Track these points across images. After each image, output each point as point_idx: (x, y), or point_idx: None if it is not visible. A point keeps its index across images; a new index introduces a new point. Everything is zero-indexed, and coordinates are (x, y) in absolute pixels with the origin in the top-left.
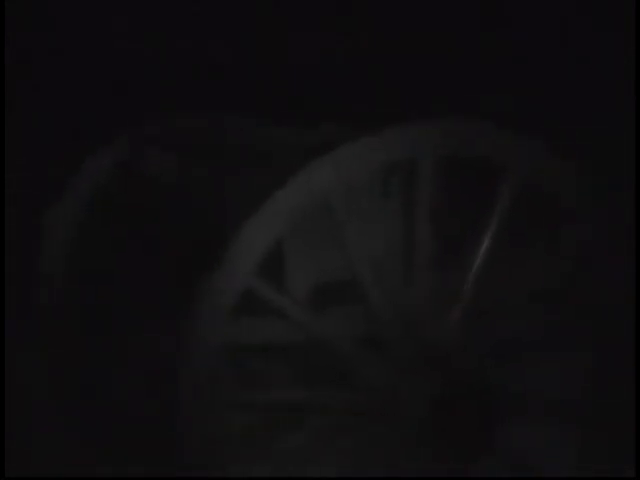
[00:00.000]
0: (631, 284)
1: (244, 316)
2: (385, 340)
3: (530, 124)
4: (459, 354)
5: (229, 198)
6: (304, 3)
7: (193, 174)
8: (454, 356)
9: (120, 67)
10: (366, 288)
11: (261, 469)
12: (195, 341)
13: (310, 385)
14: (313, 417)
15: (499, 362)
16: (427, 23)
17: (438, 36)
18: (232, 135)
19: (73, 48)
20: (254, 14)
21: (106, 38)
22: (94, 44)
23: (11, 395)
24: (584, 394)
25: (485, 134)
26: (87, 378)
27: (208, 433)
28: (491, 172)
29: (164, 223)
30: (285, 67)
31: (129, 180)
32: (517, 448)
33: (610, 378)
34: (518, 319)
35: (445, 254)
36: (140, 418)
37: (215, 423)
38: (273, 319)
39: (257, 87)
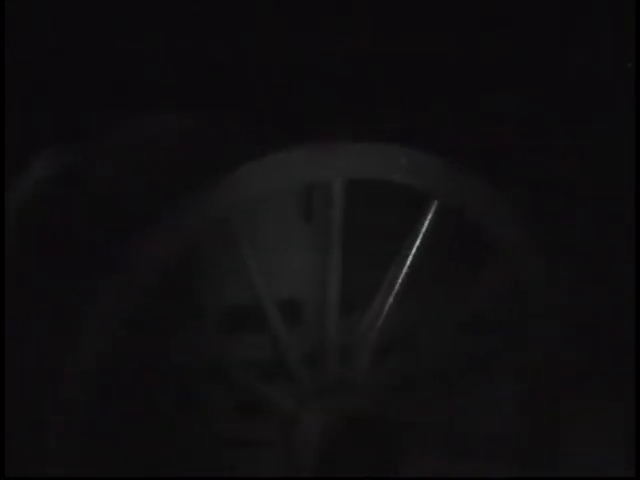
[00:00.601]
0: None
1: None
2: (287, 370)
3: (530, 124)
4: (365, 387)
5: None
6: (304, 3)
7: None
8: (359, 389)
9: (120, 67)
10: (268, 315)
11: None
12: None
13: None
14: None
15: (407, 395)
16: (427, 23)
17: (438, 36)
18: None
19: (73, 48)
20: (254, 14)
21: (106, 38)
22: (94, 44)
23: (11, 395)
24: (504, 429)
25: (407, 159)
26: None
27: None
28: (412, 199)
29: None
30: (285, 67)
31: (70, 186)
32: None
33: (535, 415)
34: (432, 352)
35: (359, 284)
36: (140, 418)
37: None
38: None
39: (257, 87)
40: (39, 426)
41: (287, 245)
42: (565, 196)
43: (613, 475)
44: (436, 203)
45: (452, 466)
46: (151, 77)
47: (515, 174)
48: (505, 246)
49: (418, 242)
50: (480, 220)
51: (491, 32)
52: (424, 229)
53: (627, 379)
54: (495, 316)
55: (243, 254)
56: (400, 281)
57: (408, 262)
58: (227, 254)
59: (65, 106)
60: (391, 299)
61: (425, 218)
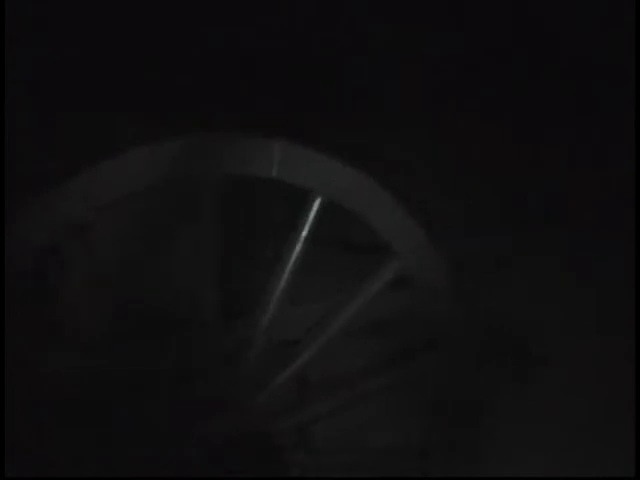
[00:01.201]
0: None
1: None
2: (175, 384)
3: (529, 124)
4: (251, 402)
5: None
6: (307, 3)
7: None
8: (245, 404)
9: (121, 67)
10: (158, 321)
11: None
12: None
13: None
14: None
15: (299, 409)
16: (429, 23)
17: (440, 36)
18: None
19: (73, 48)
20: (255, 14)
21: (106, 38)
22: (94, 44)
23: (11, 395)
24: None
25: (282, 154)
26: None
27: None
28: (291, 195)
29: None
30: (285, 67)
31: None
32: None
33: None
34: (328, 358)
35: (247, 287)
36: (140, 417)
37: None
38: None
39: (257, 87)
40: (39, 426)
41: (173, 245)
42: (565, 198)
43: (613, 475)
44: (319, 199)
45: None
46: (152, 77)
47: (513, 174)
48: (393, 244)
49: (302, 239)
50: (367, 217)
51: (491, 32)
52: (308, 226)
53: (627, 379)
54: (397, 318)
55: (127, 255)
56: (285, 283)
57: (292, 261)
58: (108, 256)
59: (65, 106)
60: (276, 303)
61: (308, 214)
